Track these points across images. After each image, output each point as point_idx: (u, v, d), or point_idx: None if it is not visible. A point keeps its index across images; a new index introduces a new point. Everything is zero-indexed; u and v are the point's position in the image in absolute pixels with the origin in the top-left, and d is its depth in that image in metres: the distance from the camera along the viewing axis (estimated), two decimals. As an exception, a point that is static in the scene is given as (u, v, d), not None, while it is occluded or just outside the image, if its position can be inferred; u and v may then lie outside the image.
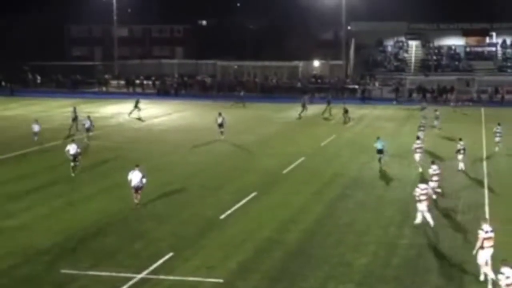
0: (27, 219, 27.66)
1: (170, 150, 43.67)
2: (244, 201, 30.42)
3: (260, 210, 29.19)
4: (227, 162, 39.63)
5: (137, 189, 29.34)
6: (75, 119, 50.15)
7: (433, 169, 30.71)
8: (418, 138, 39.04)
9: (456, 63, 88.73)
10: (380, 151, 37.61)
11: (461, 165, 36.83)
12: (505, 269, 18.14)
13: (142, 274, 21.41)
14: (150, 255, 23.12)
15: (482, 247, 20.78)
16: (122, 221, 27.55)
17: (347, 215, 28.54)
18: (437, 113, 53.18)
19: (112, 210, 29.01)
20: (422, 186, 26.80)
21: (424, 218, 26.52)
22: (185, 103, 70.69)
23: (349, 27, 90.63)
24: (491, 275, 20.54)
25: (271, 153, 42.60)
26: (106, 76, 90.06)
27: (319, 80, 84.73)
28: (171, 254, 23.20)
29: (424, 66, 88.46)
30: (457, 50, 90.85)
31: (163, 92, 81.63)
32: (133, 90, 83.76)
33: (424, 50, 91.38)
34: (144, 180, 29.38)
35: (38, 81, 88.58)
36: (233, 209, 29.06)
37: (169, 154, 42.46)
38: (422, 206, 26.46)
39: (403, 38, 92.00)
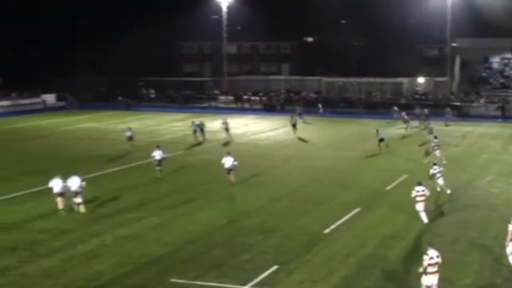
0: (139, 229, 28.28)
1: (276, 165, 43.83)
2: (347, 216, 30.16)
3: (364, 226, 28.86)
4: (330, 178, 39.40)
5: (229, 170, 36.18)
6: (201, 129, 54.11)
7: None
8: None
9: None
10: (381, 140, 47.63)
11: None
12: (430, 251, 19.95)
13: (247, 286, 21.50)
14: (255, 268, 23.20)
15: (425, 273, 19.91)
16: (228, 233, 27.78)
17: (449, 233, 27.84)
18: None
19: (220, 222, 29.32)
20: (418, 188, 28.59)
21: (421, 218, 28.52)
22: (287, 119, 70.62)
23: (454, 44, 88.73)
24: None
25: (374, 169, 42.10)
26: (215, 92, 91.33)
27: (423, 97, 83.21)
28: (275, 267, 23.21)
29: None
30: None
31: (270, 107, 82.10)
32: (241, 106, 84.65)
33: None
34: (235, 163, 36.30)
35: (152, 96, 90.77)
36: (337, 224, 28.85)
37: (274, 168, 42.62)
38: (419, 207, 28.48)
39: (509, 55, 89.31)
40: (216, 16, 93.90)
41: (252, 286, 21.58)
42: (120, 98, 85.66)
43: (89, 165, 41.40)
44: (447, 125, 64.63)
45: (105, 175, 39.62)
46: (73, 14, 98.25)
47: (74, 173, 31.51)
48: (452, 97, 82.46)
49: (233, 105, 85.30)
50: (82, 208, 30.79)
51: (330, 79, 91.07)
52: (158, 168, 38.92)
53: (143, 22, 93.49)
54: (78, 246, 25.70)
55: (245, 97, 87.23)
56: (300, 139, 56.13)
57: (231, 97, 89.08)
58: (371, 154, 47.82)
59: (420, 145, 49.74)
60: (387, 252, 25.06)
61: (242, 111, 79.83)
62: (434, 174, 32.52)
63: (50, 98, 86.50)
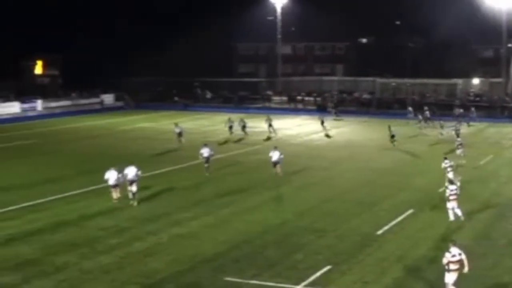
0: (194, 228, 28.58)
1: (328, 166, 43.74)
2: (400, 217, 29.97)
3: (417, 227, 28.66)
4: (382, 179, 39.16)
5: (276, 163, 38.71)
6: (243, 126, 57.40)
7: None
8: None
9: None
10: (393, 136, 49.88)
11: None
12: (453, 249, 20.33)
13: (301, 286, 21.58)
14: (308, 267, 23.26)
15: (448, 270, 20.30)
16: (282, 233, 27.88)
17: (505, 236, 27.45)
18: None
19: (273, 222, 29.44)
20: (451, 187, 29.34)
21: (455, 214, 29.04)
22: (343, 120, 70.52)
23: (510, 44, 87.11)
24: None
25: (426, 170, 41.62)
26: (269, 92, 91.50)
27: (477, 98, 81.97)
28: (328, 267, 23.23)
29: None
30: None
31: (323, 108, 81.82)
32: (294, 106, 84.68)
33: None
34: (282, 156, 38.93)
35: (208, 96, 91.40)
36: (389, 225, 28.71)
37: (326, 169, 42.55)
38: (451, 204, 29.09)
39: None
40: (271, 18, 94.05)
41: (305, 285, 21.64)
42: (176, 98, 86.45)
43: (145, 164, 41.79)
44: (469, 125, 64.27)
45: (160, 174, 40.09)
46: (132, 17, 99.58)
47: (131, 163, 32.91)
48: (507, 98, 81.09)
49: (287, 106, 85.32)
50: (135, 202, 32.00)
51: (384, 80, 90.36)
52: (206, 165, 39.67)
53: (200, 24, 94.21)
54: (134, 243, 26.11)
55: (299, 97, 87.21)
56: (352, 140, 55.93)
57: (285, 98, 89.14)
58: (422, 155, 47.38)
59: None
60: (439, 254, 24.70)
61: (296, 111, 79.81)
62: (445, 168, 34.99)
63: (108, 98, 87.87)
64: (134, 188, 31.97)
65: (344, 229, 28.38)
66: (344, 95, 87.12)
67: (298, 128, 63.97)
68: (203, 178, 38.85)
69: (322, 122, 60.79)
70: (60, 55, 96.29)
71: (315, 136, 58.09)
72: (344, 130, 62.22)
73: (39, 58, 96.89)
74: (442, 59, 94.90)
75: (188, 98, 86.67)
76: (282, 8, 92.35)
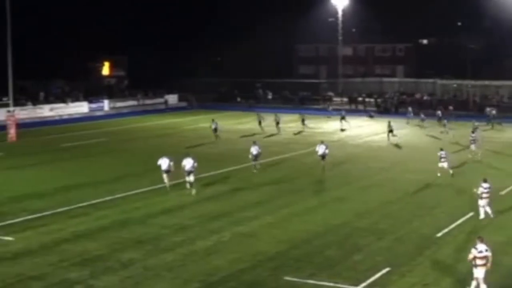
0: (255, 227, 28.67)
1: (388, 167, 43.35)
2: (461, 220, 29.52)
3: (477, 230, 28.13)
4: (444, 181, 38.53)
5: (323, 157, 40.29)
6: (277, 123, 60.27)
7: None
8: None
9: None
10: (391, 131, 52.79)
11: None
12: (479, 245, 20.46)
13: (360, 287, 21.46)
14: (368, 269, 23.11)
15: (475, 265, 20.42)
16: (341, 233, 27.78)
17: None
18: None
19: (333, 222, 29.35)
20: (485, 185, 29.53)
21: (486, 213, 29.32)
22: (404, 121, 69.67)
23: None
24: None
25: (487, 173, 40.79)
26: (330, 94, 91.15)
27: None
28: (388, 269, 23.02)
29: None
30: None
31: (384, 109, 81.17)
32: (355, 107, 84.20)
33: None
34: (327, 151, 40.31)
35: (269, 97, 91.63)
36: (449, 227, 28.31)
37: (387, 171, 42.18)
38: (483, 202, 29.36)
39: None
40: (332, 19, 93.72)
41: (364, 287, 21.51)
42: (238, 99, 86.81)
43: (208, 163, 42.25)
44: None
45: (222, 174, 40.30)
46: (196, 19, 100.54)
47: (187, 155, 35.15)
48: None
49: (347, 107, 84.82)
50: (193, 191, 34.09)
51: (445, 82, 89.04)
52: (253, 163, 40.65)
53: (262, 25, 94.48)
54: (197, 242, 26.34)
55: (359, 99, 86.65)
56: (413, 142, 55.31)
57: (345, 99, 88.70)
58: (484, 157, 46.47)
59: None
60: (502, 258, 24.27)
61: (356, 112, 79.28)
62: (440, 157, 38.65)
63: (172, 99, 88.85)
64: (191, 178, 34.18)
65: (404, 231, 28.10)
66: (404, 96, 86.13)
67: (359, 129, 63.50)
68: (265, 179, 38.95)
69: (390, 129, 56.17)
70: (125, 56, 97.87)
71: (375, 138, 57.59)
72: (405, 132, 61.43)
73: (106, 60, 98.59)
74: (504, 61, 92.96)
75: (249, 99, 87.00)
76: (343, 10, 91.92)
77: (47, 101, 78.70)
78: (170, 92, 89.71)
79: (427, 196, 34.92)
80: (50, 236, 26.94)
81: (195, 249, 25.46)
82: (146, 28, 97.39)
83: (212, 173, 39.39)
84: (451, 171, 38.92)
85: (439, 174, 39.02)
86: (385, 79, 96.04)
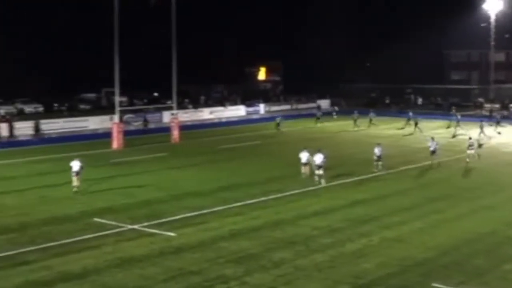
0: (404, 232, 28.12)
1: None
2: None
3: None
4: None
5: (433, 152, 42.79)
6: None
7: None
8: None
9: None
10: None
11: None
12: None
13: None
14: (519, 279, 22.12)
15: None
16: (491, 242, 26.73)
17: None
18: None
19: (483, 230, 28.27)
20: None
21: None
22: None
23: None
24: None
25: None
26: (481, 100, 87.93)
27: None
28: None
29: None
30: None
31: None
32: (507, 114, 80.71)
33: None
34: (437, 146, 42.94)
35: (419, 102, 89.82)
36: None
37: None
38: None
39: None
40: (484, 24, 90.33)
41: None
42: (387, 101, 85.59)
43: (357, 168, 42.01)
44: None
45: (371, 179, 39.90)
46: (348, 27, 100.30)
47: (318, 150, 37.53)
48: None
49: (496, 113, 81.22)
50: (323, 182, 36.75)
51: None
52: (376, 163, 41.34)
53: (412, 31, 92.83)
54: (347, 244, 26.21)
55: (511, 105, 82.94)
56: None
57: (497, 105, 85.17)
58: None
59: None
60: None
61: (510, 119, 75.89)
62: (468, 146, 43.16)
63: (324, 103, 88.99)
64: (320, 171, 36.84)
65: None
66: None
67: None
68: (416, 184, 38.31)
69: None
70: (280, 62, 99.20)
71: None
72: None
73: (262, 65, 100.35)
74: None
75: (399, 104, 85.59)
76: (496, 15, 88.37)
77: (207, 104, 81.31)
78: (323, 97, 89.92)
79: None
80: (208, 234, 27.71)
81: (344, 251, 25.35)
82: (299, 35, 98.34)
83: (361, 177, 39.16)
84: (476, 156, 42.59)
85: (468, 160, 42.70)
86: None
